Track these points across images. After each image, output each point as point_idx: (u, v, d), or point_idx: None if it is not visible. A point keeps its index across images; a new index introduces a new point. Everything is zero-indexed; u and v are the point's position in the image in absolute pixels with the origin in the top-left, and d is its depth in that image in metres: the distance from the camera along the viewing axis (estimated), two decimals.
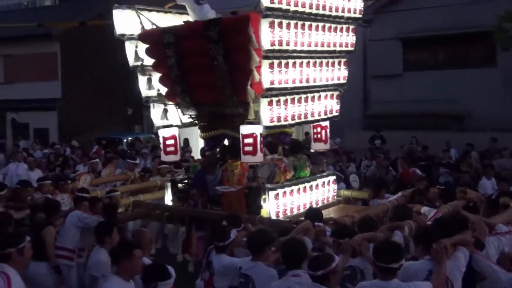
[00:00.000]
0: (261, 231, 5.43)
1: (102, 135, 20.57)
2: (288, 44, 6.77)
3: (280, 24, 6.61)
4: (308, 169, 7.73)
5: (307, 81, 7.26)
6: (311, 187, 7.55)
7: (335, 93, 7.99)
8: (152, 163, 12.60)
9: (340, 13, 7.54)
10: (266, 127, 6.86)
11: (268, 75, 6.67)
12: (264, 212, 6.94)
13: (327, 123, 8.17)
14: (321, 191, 7.77)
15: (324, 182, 7.85)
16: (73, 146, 18.33)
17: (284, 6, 6.62)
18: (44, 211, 6.96)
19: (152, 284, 4.25)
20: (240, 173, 7.25)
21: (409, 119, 18.45)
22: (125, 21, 7.84)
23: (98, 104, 22.68)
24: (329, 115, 7.92)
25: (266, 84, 6.67)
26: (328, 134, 8.31)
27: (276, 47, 6.62)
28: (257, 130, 6.81)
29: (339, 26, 7.63)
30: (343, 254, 4.84)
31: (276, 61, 6.71)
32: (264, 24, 6.49)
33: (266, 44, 6.53)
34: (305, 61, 7.16)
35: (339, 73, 7.91)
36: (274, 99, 6.84)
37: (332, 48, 7.60)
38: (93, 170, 11.48)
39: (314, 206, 7.32)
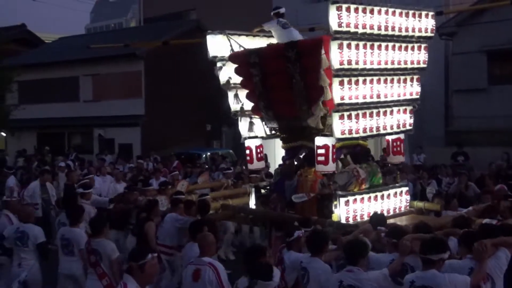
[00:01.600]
0: (318, 231, 6.22)
1: (182, 150, 21.18)
2: (357, 63, 7.44)
3: (349, 45, 7.31)
4: (380, 174, 8.39)
5: (378, 96, 7.86)
6: (382, 196, 8.12)
7: (409, 108, 8.44)
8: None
9: (410, 33, 8.04)
10: (338, 139, 7.57)
11: (338, 91, 7.39)
12: (335, 217, 7.66)
13: (403, 136, 8.69)
14: (393, 201, 8.30)
15: (396, 192, 8.36)
16: (156, 159, 18.93)
17: (352, 29, 7.32)
18: (145, 210, 8.27)
19: (253, 280, 4.61)
20: (313, 179, 8.09)
21: (495, 135, 17.60)
22: (217, 45, 8.86)
23: (179, 121, 23.62)
24: (402, 129, 8.41)
25: (336, 100, 7.41)
26: (404, 147, 8.80)
27: (345, 66, 7.30)
28: (330, 141, 7.61)
29: (410, 45, 8.10)
30: (399, 253, 5.40)
31: (346, 79, 7.40)
32: (334, 45, 7.24)
33: (335, 64, 7.26)
34: (375, 78, 7.77)
35: (411, 89, 8.36)
36: (345, 113, 7.53)
37: (403, 66, 8.08)
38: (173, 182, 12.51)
39: (386, 214, 7.83)
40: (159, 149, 21.18)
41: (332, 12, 7.08)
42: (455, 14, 19.32)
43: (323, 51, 7.36)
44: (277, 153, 10.04)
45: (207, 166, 17.33)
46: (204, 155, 21.19)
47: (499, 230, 5.44)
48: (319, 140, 7.63)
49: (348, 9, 7.14)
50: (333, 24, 7.10)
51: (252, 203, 9.09)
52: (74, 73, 25.56)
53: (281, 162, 9.75)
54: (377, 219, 6.75)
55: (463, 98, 19.59)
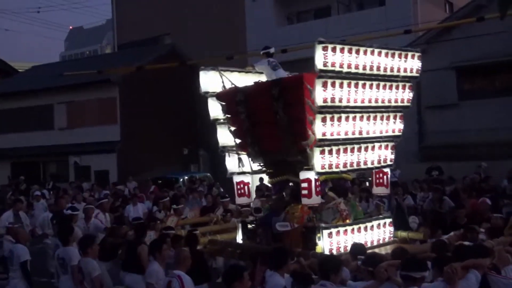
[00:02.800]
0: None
1: (159, 174, 21.00)
2: (340, 101, 7.60)
3: (333, 84, 7.49)
4: (360, 208, 8.61)
5: (360, 133, 8.03)
6: (366, 227, 8.24)
7: (390, 144, 8.61)
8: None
9: (395, 73, 8.25)
10: (317, 173, 7.70)
11: (320, 128, 7.54)
12: (319, 249, 7.72)
13: (387, 169, 8.85)
14: (376, 232, 8.42)
15: (380, 224, 8.49)
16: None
17: (337, 68, 7.50)
18: (136, 234, 8.52)
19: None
20: (300, 215, 8.17)
21: (468, 149, 17.92)
22: (209, 80, 9.04)
23: (155, 145, 23.57)
24: (383, 164, 8.61)
25: (318, 136, 7.57)
26: (388, 180, 8.93)
27: (329, 104, 7.49)
28: (312, 175, 7.73)
29: (394, 84, 8.28)
30: (375, 280, 5.51)
31: (328, 116, 7.56)
32: (318, 83, 7.40)
33: (319, 101, 7.42)
34: (358, 115, 7.95)
35: (394, 126, 8.52)
36: (326, 148, 7.68)
37: (386, 104, 8.26)
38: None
39: (369, 245, 8.03)
40: (136, 175, 21.04)
41: (318, 51, 7.23)
42: (425, 32, 19.77)
43: (309, 87, 7.46)
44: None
45: (180, 190, 17.27)
46: (181, 179, 21.12)
47: (472, 251, 5.61)
48: (303, 174, 7.78)
49: (333, 49, 7.30)
50: (319, 63, 7.25)
51: (239, 238, 9.16)
52: (48, 101, 25.39)
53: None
54: (357, 249, 6.84)
55: (435, 114, 19.96)
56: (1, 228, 11.58)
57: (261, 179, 11.22)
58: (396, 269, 5.36)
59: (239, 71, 9.39)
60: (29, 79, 28.19)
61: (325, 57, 7.24)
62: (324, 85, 7.33)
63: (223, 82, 8.93)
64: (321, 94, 7.35)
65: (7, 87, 27.36)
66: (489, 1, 18.61)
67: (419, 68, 8.65)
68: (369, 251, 7.08)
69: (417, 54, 8.57)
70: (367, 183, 13.51)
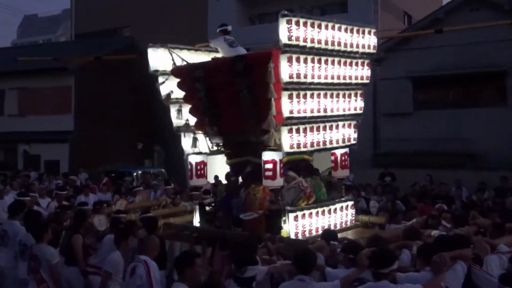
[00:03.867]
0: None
1: (112, 168, 20.55)
2: (305, 77, 7.41)
3: (297, 59, 7.29)
4: (324, 189, 8.29)
5: (325, 111, 7.87)
6: (329, 210, 8.08)
7: (353, 123, 8.57)
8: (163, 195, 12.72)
9: (354, 49, 8.14)
10: (286, 153, 7.47)
11: (287, 105, 7.33)
12: (284, 233, 7.48)
13: (347, 150, 8.72)
14: (339, 215, 8.27)
15: (342, 207, 8.36)
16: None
17: (301, 43, 7.31)
18: (73, 223, 7.90)
19: (243, 269, 4.94)
20: (262, 197, 7.80)
21: (420, 157, 18.40)
22: (158, 59, 8.61)
23: (109, 138, 23.03)
24: (347, 143, 8.51)
25: (286, 114, 7.33)
26: (348, 162, 8.80)
27: (294, 80, 7.28)
28: (277, 156, 7.46)
29: (354, 61, 8.21)
30: (356, 268, 5.32)
31: (294, 93, 7.37)
32: (283, 59, 7.18)
33: (285, 77, 7.20)
34: (322, 92, 7.78)
35: (355, 104, 8.47)
36: (294, 127, 7.48)
37: (348, 81, 8.18)
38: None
39: (333, 228, 7.83)
40: (87, 167, 20.48)
41: (282, 25, 7.07)
42: (384, 41, 20.16)
43: (271, 65, 7.23)
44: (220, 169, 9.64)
45: (134, 184, 16.97)
46: (134, 173, 20.75)
47: (453, 241, 5.55)
48: (267, 155, 7.47)
49: (297, 23, 7.16)
50: (283, 37, 7.08)
51: (196, 221, 8.73)
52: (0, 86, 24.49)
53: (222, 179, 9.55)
54: (329, 234, 6.77)
55: (390, 121, 20.32)
56: None
57: None
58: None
59: (189, 49, 9.02)
60: None
61: (289, 30, 7.09)
62: (289, 60, 7.15)
63: (173, 59, 8.54)
64: (286, 69, 7.14)
65: None
66: (446, 15, 19.20)
67: (376, 45, 8.55)
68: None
69: (373, 31, 8.49)
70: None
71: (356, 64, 8.28)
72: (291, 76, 7.19)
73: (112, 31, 28.69)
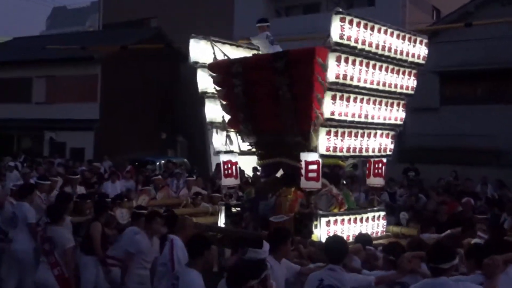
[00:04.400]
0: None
1: (136, 157, 20.68)
2: (352, 79, 7.08)
3: (346, 60, 6.96)
4: (352, 198, 8.05)
5: (366, 117, 7.53)
6: (361, 219, 7.74)
7: (391, 133, 8.20)
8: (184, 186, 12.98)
9: (404, 57, 7.80)
10: (321, 156, 7.14)
11: (329, 106, 7.01)
12: (315, 238, 7.17)
13: (385, 159, 8.36)
14: (371, 225, 7.94)
15: (374, 217, 8.02)
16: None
17: (352, 43, 6.98)
18: (95, 212, 7.71)
19: (244, 250, 4.65)
20: (293, 198, 7.56)
21: (445, 153, 18.05)
22: (200, 50, 8.38)
23: (134, 127, 23.12)
24: (382, 153, 8.14)
25: (326, 115, 7.01)
26: (384, 170, 8.45)
27: (340, 81, 6.95)
28: (318, 158, 7.15)
29: (401, 69, 7.88)
30: (398, 271, 5.01)
31: (338, 94, 7.05)
32: (332, 57, 6.86)
33: (331, 77, 6.88)
34: (365, 97, 7.45)
35: (396, 114, 8.14)
36: (333, 129, 7.17)
37: (392, 89, 7.81)
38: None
39: None
40: (111, 155, 20.63)
41: (335, 22, 6.75)
42: None
43: (320, 60, 6.91)
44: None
45: (157, 173, 17.04)
46: (157, 163, 20.86)
47: (504, 246, 5.24)
48: (310, 156, 7.15)
49: (350, 22, 6.84)
50: (335, 35, 6.78)
51: (221, 222, 8.46)
52: (28, 73, 24.50)
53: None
54: (364, 239, 6.49)
55: (416, 116, 19.98)
56: None
57: None
58: (420, 261, 5.00)
59: (231, 44, 8.83)
60: (9, 50, 27.14)
61: (341, 29, 6.75)
62: (338, 59, 6.83)
63: (214, 53, 8.31)
64: (334, 69, 6.83)
65: None
66: (476, 8, 18.84)
67: (426, 56, 8.24)
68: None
69: (424, 41, 8.16)
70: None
71: (404, 73, 7.93)
72: (337, 77, 6.87)
73: (139, 22, 28.85)
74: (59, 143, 23.42)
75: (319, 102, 7.02)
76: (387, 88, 7.70)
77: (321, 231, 7.13)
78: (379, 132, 7.93)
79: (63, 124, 23.12)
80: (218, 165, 18.70)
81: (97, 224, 7.23)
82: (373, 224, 7.98)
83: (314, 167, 7.08)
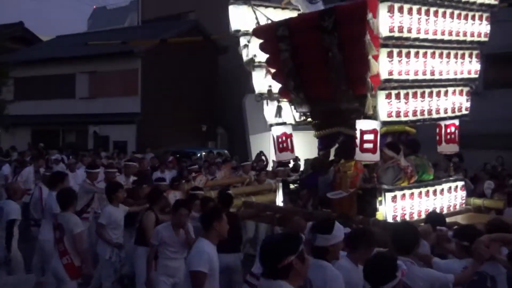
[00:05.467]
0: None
1: (177, 149, 20.93)
2: (409, 31, 6.15)
3: (400, 9, 6.05)
4: (431, 170, 6.98)
5: (432, 73, 6.54)
6: (435, 191, 6.74)
7: (465, 89, 7.19)
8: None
9: None
10: (383, 123, 6.23)
11: (386, 65, 6.09)
12: (380, 216, 6.29)
13: (457, 122, 7.36)
14: (446, 197, 6.94)
15: (450, 187, 7.01)
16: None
17: None
18: (148, 201, 7.16)
19: (313, 234, 3.97)
20: (354, 174, 6.65)
21: (490, 139, 17.51)
22: (240, 17, 7.54)
23: (175, 120, 23.20)
24: (457, 113, 7.14)
25: (384, 75, 6.08)
26: (458, 135, 7.46)
27: (396, 34, 6.06)
28: (376, 125, 6.20)
29: (470, 14, 6.85)
30: (474, 259, 4.13)
31: (395, 50, 6.14)
32: (383, 8, 5.95)
33: (384, 31, 5.96)
34: (429, 51, 6.46)
35: (470, 66, 7.06)
36: (393, 92, 6.26)
37: (462, 38, 6.81)
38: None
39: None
40: (154, 148, 20.87)
41: None
42: None
43: (370, 15, 5.95)
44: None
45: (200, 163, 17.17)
46: (198, 154, 21.04)
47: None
48: (365, 124, 6.20)
49: None
50: None
51: (279, 200, 7.66)
52: (71, 70, 24.70)
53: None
54: (435, 218, 5.52)
55: None
56: (21, 183, 11.66)
57: None
58: (501, 245, 4.23)
59: (275, 7, 7.85)
60: (52, 48, 27.49)
61: None
62: (391, 10, 5.92)
63: (257, 18, 7.41)
64: (387, 21, 5.89)
65: (31, 54, 26.68)
66: None
67: None
68: None
69: None
70: None
71: (473, 17, 6.90)
72: (391, 30, 5.97)
73: (177, 16, 29.08)
74: (103, 137, 23.63)
75: (374, 62, 6.08)
76: (455, 38, 6.67)
77: (387, 208, 6.26)
78: (450, 89, 6.89)
79: (106, 118, 23.22)
80: (258, 155, 18.97)
81: (150, 214, 6.70)
82: (450, 196, 6.99)
83: (370, 136, 6.14)
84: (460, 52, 6.83)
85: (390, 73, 6.10)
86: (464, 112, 7.20)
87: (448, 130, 7.33)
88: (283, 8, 7.92)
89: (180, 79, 23.84)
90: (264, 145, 22.37)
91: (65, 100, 24.76)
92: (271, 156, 18.72)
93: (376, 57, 6.10)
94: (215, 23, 24.83)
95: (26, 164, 14.64)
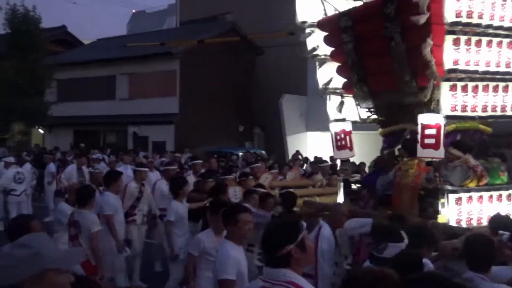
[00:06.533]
0: None
1: (215, 149, 21.04)
2: (481, 17, 5.52)
3: None
4: (504, 174, 6.26)
5: (508, 66, 5.84)
6: (509, 196, 5.99)
7: None
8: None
9: None
10: (447, 117, 5.66)
11: (452, 53, 5.51)
12: (442, 219, 5.72)
13: None
14: None
15: None
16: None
17: None
18: (211, 195, 6.91)
19: (382, 244, 3.79)
20: (416, 173, 6.06)
21: None
22: (308, 8, 7.20)
23: (212, 120, 23.24)
24: None
25: (448, 65, 5.52)
26: None
27: (464, 20, 5.46)
28: (441, 120, 5.64)
29: None
30: None
31: (463, 37, 5.55)
32: None
33: (450, 16, 5.41)
34: (506, 40, 5.77)
35: None
36: (459, 83, 5.67)
37: None
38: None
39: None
40: (192, 147, 21.04)
41: None
42: None
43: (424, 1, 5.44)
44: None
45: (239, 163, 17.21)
46: (236, 154, 21.10)
47: None
48: (427, 118, 5.72)
49: None
50: None
51: (340, 200, 7.24)
52: (111, 72, 24.99)
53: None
54: (500, 221, 4.83)
55: None
56: (64, 180, 11.92)
57: None
58: None
59: None
60: (93, 50, 27.85)
61: None
62: None
63: (325, 9, 7.07)
64: (453, 5, 5.39)
65: (72, 57, 27.10)
66: None
67: None
68: None
69: None
70: None
71: None
72: (458, 15, 5.42)
73: (214, 18, 29.25)
74: (142, 137, 23.79)
75: (438, 50, 5.57)
76: None
77: (450, 211, 5.66)
78: None
79: (145, 118, 23.34)
80: (294, 154, 18.88)
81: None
82: None
83: (433, 131, 5.63)
84: None
85: (456, 62, 5.54)
86: None
87: None
88: None
89: (217, 80, 23.91)
90: (301, 145, 22.33)
91: (105, 101, 25.05)
92: (308, 157, 18.71)
93: (440, 47, 5.60)
94: (252, 24, 24.94)
95: (68, 162, 15.00)
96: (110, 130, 25.74)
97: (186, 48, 22.42)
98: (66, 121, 24.81)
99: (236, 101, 24.69)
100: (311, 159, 17.54)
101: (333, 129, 7.35)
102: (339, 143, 7.31)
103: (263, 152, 22.25)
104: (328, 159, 14.36)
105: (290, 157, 19.06)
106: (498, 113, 5.95)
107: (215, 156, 19.88)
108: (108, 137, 26.09)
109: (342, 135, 7.29)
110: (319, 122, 21.68)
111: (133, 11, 74.26)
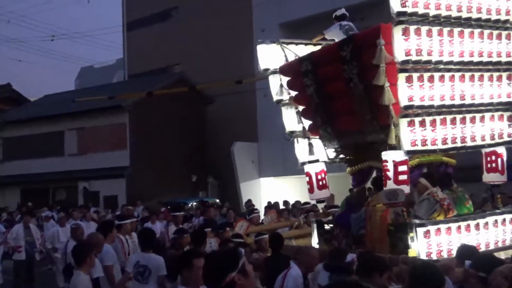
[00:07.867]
0: None
1: (168, 200, 20.78)
2: (429, 54, 5.68)
3: (417, 31, 5.62)
4: (469, 203, 6.34)
5: (462, 98, 6.01)
6: (477, 225, 6.02)
7: (506, 114, 6.50)
8: None
9: (504, 17, 6.23)
10: (408, 152, 5.69)
11: (406, 90, 5.62)
12: (412, 253, 5.69)
13: (503, 149, 6.67)
14: (493, 232, 6.19)
15: (497, 221, 6.24)
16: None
17: (421, 10, 5.59)
18: (193, 243, 6.87)
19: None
20: (383, 208, 6.09)
21: None
22: (269, 56, 7.32)
23: (164, 171, 22.88)
24: (498, 140, 6.45)
25: (403, 102, 5.62)
26: (503, 163, 6.76)
27: (413, 58, 5.60)
28: (396, 156, 5.72)
29: (504, 33, 6.29)
30: None
31: (415, 74, 5.68)
32: (397, 32, 5.52)
33: (400, 55, 5.54)
34: (457, 74, 5.95)
35: (509, 89, 6.43)
36: (416, 119, 5.76)
37: (496, 59, 6.23)
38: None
39: (484, 249, 5.90)
40: (144, 200, 20.62)
41: None
42: None
43: (381, 42, 5.63)
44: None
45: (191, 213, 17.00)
46: (190, 204, 20.85)
47: None
48: (392, 155, 5.74)
49: None
50: (395, 5, 5.46)
51: (314, 242, 7.16)
52: (59, 127, 24.41)
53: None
54: (466, 251, 4.73)
55: None
56: (11, 240, 11.47)
57: None
58: None
59: (306, 43, 7.52)
60: (40, 107, 27.22)
61: None
62: (405, 33, 5.48)
63: (285, 55, 7.21)
64: (402, 45, 5.46)
65: (18, 114, 26.38)
66: None
67: None
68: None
69: None
70: None
71: (508, 36, 6.29)
72: (408, 53, 5.55)
73: (163, 70, 29.42)
74: (93, 192, 23.14)
75: (388, 90, 5.67)
76: (487, 59, 6.11)
77: (419, 244, 5.63)
78: (487, 114, 6.26)
79: (95, 173, 22.64)
80: (246, 202, 18.81)
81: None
82: (497, 231, 6.20)
83: (404, 168, 5.65)
84: (495, 74, 6.26)
85: (411, 99, 5.65)
86: (506, 138, 6.49)
87: (489, 159, 6.69)
88: (315, 44, 7.58)
89: (168, 131, 23.75)
90: (254, 191, 22.36)
91: (54, 158, 24.18)
92: (262, 203, 18.70)
93: (394, 85, 5.70)
94: (200, 74, 25.20)
95: (15, 222, 14.45)
96: (60, 187, 24.92)
97: (135, 101, 22.23)
98: (12, 180, 23.96)
99: (188, 151, 24.56)
100: (265, 204, 17.52)
101: (311, 170, 7.34)
102: (320, 183, 7.32)
103: (217, 200, 22.11)
104: (281, 204, 14.35)
105: (243, 204, 18.98)
106: (459, 144, 6.06)
107: (168, 207, 19.68)
108: (57, 194, 25.25)
109: (322, 175, 7.32)
110: (271, 168, 21.98)
111: (81, 67, 73.90)
